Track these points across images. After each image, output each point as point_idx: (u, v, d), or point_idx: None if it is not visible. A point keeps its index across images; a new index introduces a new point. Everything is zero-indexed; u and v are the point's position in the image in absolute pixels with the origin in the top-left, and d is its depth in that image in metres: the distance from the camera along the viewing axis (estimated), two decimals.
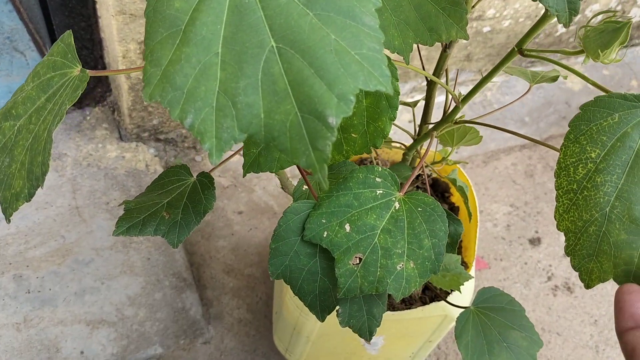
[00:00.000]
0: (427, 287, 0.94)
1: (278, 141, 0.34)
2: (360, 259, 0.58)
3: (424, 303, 0.92)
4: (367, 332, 0.61)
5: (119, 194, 1.29)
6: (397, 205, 0.58)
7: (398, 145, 0.88)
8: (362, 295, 0.60)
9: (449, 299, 0.85)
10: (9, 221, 0.47)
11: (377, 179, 0.58)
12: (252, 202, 1.41)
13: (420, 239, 0.58)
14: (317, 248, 0.60)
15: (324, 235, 0.57)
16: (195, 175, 0.66)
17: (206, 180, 0.64)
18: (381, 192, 0.58)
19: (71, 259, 1.19)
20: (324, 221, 0.57)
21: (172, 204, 0.65)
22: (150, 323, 1.17)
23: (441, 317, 0.88)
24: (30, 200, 0.44)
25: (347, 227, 0.58)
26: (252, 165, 0.59)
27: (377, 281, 0.58)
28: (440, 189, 1.07)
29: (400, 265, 0.59)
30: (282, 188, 0.85)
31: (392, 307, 0.90)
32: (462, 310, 0.76)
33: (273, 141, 0.34)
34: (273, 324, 1.14)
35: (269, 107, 0.34)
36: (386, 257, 0.59)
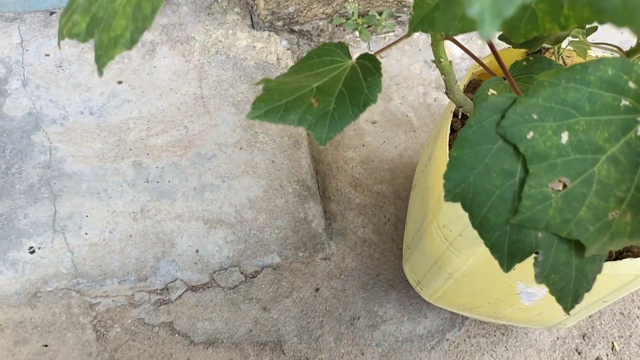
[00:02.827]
0: None
1: None
2: (564, 185, 0.41)
3: (608, 257, 0.73)
4: (570, 296, 0.44)
5: (247, 87, 1.17)
6: None
7: (610, 48, 0.66)
8: (570, 240, 0.43)
9: None
10: (101, 73, 0.34)
11: (631, 84, 0.39)
12: (388, 112, 1.24)
13: None
14: (518, 164, 0.42)
15: (528, 136, 0.40)
16: (354, 57, 0.51)
17: (370, 65, 0.48)
18: (628, 104, 0.39)
19: (193, 152, 1.11)
20: (534, 116, 0.40)
21: (323, 90, 0.50)
22: (269, 230, 1.08)
23: (632, 276, 0.69)
24: (131, 48, 0.30)
25: (565, 137, 0.40)
26: (424, 21, 0.42)
27: (576, 223, 0.41)
28: None
29: (613, 214, 0.41)
30: (446, 93, 0.67)
31: None
32: None
33: None
34: (404, 251, 1.00)
35: None
36: (600, 197, 0.41)
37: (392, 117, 1.24)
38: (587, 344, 1.04)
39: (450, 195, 0.43)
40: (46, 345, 1.00)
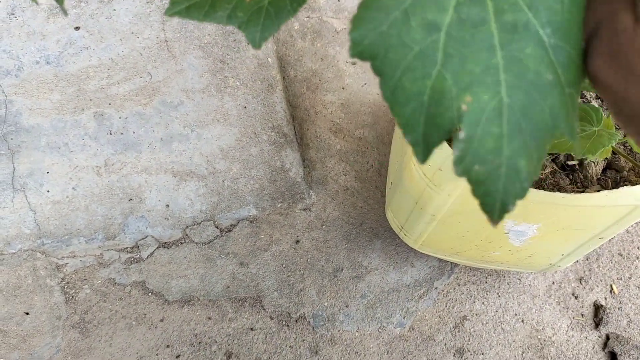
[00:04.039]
0: (609, 166, 0.68)
1: None
2: None
3: (603, 187, 0.67)
4: (497, 201, 0.34)
5: (214, 28, 1.09)
6: None
7: None
8: (501, 123, 0.35)
9: None
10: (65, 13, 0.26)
11: None
12: None
13: None
14: (446, 15, 0.34)
15: None
16: None
17: None
18: None
19: (158, 100, 1.03)
20: None
21: None
22: (244, 181, 1.01)
23: (630, 207, 0.63)
24: None
25: None
26: None
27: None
28: None
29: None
30: None
31: (559, 189, 0.66)
32: None
33: None
34: (386, 196, 0.93)
35: None
36: None
37: None
38: (584, 288, 0.98)
39: (357, 48, 0.33)
40: (12, 310, 0.94)
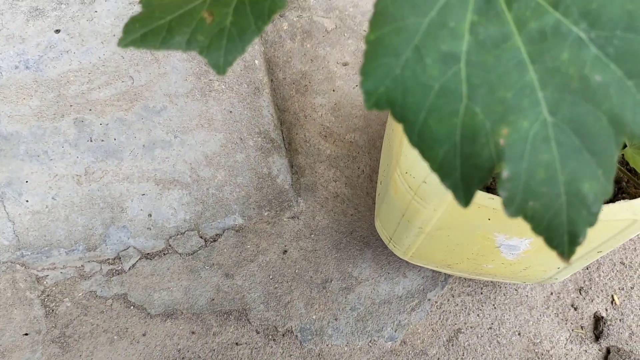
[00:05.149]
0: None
1: None
2: None
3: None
4: (564, 234, 0.31)
5: None
6: None
7: None
8: (550, 139, 0.31)
9: None
10: None
11: None
12: (361, 52, 1.12)
13: None
14: (463, 42, 0.31)
15: None
16: None
17: None
18: None
19: (140, 105, 0.99)
20: None
21: (218, 0, 0.39)
22: (229, 188, 0.97)
23: (629, 221, 0.59)
24: None
25: None
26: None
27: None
28: None
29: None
30: None
31: None
32: None
33: None
34: (376, 204, 0.90)
35: None
36: None
37: None
38: (584, 299, 0.94)
39: (372, 99, 0.30)
40: None
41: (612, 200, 0.60)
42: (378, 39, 0.30)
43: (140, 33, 0.39)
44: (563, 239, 0.30)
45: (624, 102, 0.29)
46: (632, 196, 0.60)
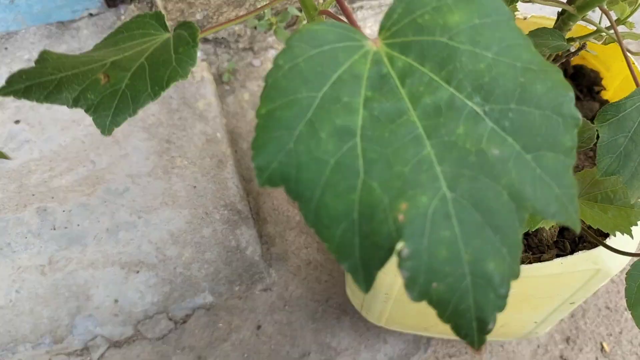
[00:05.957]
0: (566, 227, 0.62)
1: None
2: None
3: (561, 250, 0.60)
4: (472, 320, 0.29)
5: (158, 108, 1.05)
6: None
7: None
8: (451, 216, 0.29)
9: (607, 243, 0.53)
10: None
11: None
12: None
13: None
14: (358, 116, 0.30)
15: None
16: (173, 30, 0.39)
17: (186, 34, 0.37)
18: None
19: (102, 188, 0.98)
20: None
21: (119, 65, 0.38)
22: (197, 265, 0.95)
23: (592, 271, 0.56)
24: None
25: None
26: None
27: None
28: (586, 81, 0.72)
29: None
30: None
31: None
32: (638, 259, 0.45)
33: None
34: (345, 273, 0.87)
35: None
36: None
37: None
38: (573, 349, 0.90)
39: (264, 175, 0.28)
40: None
41: (572, 251, 0.59)
42: (270, 112, 0.28)
43: (25, 85, 0.38)
44: (471, 325, 0.27)
45: (523, 177, 0.28)
46: (593, 244, 0.58)
